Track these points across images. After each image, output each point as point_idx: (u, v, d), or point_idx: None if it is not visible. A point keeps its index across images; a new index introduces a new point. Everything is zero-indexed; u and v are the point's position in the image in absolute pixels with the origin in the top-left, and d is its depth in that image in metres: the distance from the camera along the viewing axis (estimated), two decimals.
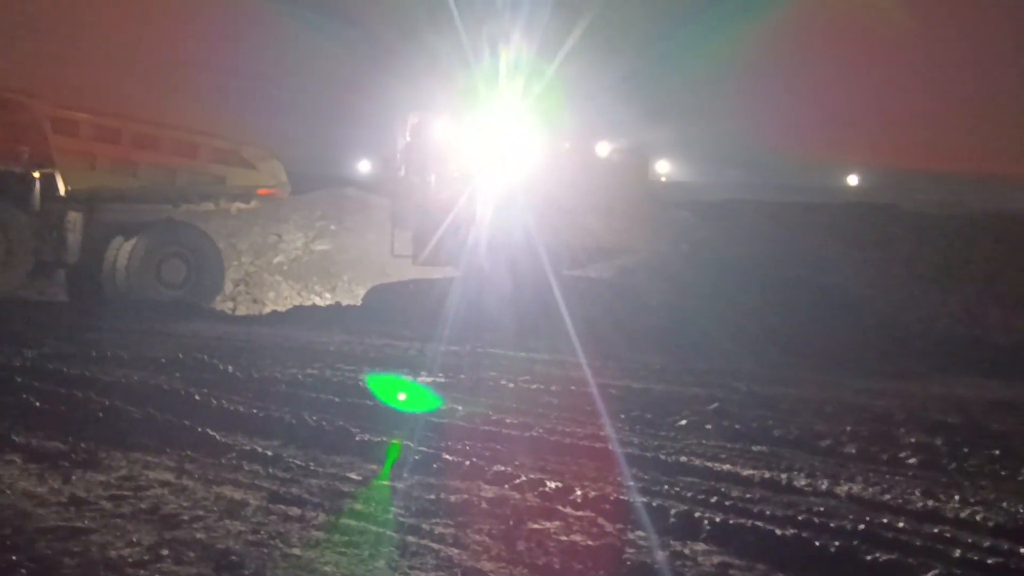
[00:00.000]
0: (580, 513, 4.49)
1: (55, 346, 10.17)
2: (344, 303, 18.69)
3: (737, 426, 6.68)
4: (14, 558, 3.47)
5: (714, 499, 4.75)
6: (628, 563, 3.85)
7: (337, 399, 7.24)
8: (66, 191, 15.89)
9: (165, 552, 3.65)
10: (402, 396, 7.53)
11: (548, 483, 4.89)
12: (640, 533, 4.24)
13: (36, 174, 15.71)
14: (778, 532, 4.20)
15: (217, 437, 5.75)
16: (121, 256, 16.30)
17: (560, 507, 4.56)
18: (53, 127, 15.82)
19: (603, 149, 15.98)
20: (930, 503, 4.83)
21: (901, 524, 4.41)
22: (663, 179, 19.44)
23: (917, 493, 5.03)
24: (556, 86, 14.81)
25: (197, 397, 7.03)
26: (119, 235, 16.47)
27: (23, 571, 3.35)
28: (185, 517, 4.16)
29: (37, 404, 6.65)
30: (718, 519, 4.33)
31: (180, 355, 9.48)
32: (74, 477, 4.80)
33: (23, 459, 5.14)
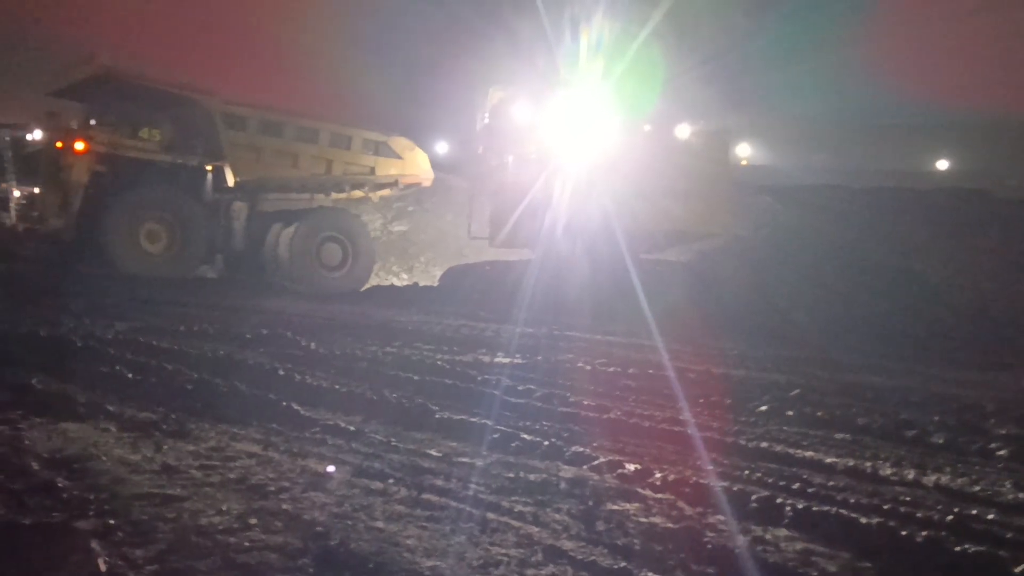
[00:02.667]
0: (659, 495, 4.47)
1: (145, 320, 10.49)
2: (421, 284, 18.86)
3: (819, 413, 6.57)
4: (112, 522, 3.59)
5: (796, 485, 4.67)
6: (708, 546, 3.82)
7: (416, 377, 7.32)
8: (234, 182, 16.80)
9: (253, 521, 3.75)
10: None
11: (627, 465, 4.87)
12: (720, 517, 4.20)
13: (208, 167, 16.66)
14: (863, 520, 4.12)
15: (301, 411, 5.86)
16: (282, 241, 17.18)
17: (639, 489, 4.55)
18: (225, 122, 16.72)
19: (683, 131, 15.80)
20: (1021, 496, 4.69)
21: (991, 516, 4.29)
22: (744, 162, 19.11)
23: (1008, 485, 4.88)
24: (637, 68, 14.67)
25: (281, 372, 7.19)
26: (278, 222, 17.33)
27: (120, 534, 3.47)
28: (272, 488, 4.26)
29: (129, 375, 6.86)
30: (800, 506, 4.27)
31: (264, 331, 9.70)
32: (165, 446, 4.94)
33: (117, 428, 5.31)
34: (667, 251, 15.72)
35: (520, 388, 7.09)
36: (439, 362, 8.23)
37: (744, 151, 19.20)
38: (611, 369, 8.31)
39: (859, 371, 9.03)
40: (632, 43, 14.57)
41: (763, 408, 6.73)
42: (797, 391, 7.43)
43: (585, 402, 6.66)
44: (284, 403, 6.03)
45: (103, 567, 3.15)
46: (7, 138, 17.24)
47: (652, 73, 14.90)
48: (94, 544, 3.34)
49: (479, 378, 7.48)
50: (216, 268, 17.99)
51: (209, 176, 16.77)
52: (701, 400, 6.93)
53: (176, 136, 16.82)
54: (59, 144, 16.20)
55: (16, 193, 16.77)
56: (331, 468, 4.53)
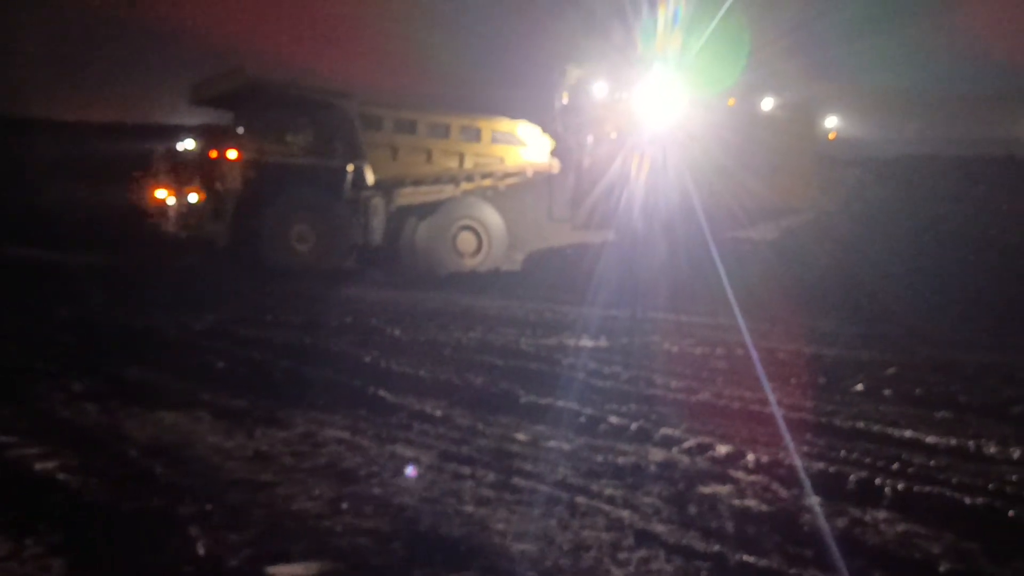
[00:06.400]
0: (752, 478, 4.37)
1: (231, 311, 10.71)
2: (503, 268, 18.89)
3: (918, 391, 6.35)
4: (208, 507, 3.66)
5: (895, 466, 4.52)
6: (805, 529, 3.71)
7: (500, 362, 7.31)
8: (373, 180, 17.50)
9: (344, 506, 3.77)
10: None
11: (718, 447, 4.78)
12: (816, 499, 4.08)
13: (349, 167, 17.39)
14: (967, 501, 3.96)
15: (387, 398, 5.90)
16: (420, 233, 17.69)
17: (731, 471, 4.45)
18: (362, 123, 17.40)
19: (767, 104, 15.43)
20: None
21: None
22: (833, 135, 18.60)
23: None
24: (718, 40, 14.36)
25: (367, 359, 7.26)
26: (413, 215, 17.90)
27: (216, 519, 3.53)
28: (362, 473, 4.29)
29: (219, 365, 7.02)
30: (900, 486, 4.12)
31: (349, 319, 9.82)
32: (257, 433, 5.02)
33: (210, 416, 5.42)
34: (750, 229, 15.40)
35: (606, 371, 7.02)
36: (523, 346, 8.21)
37: (833, 123, 18.68)
38: (697, 351, 8.18)
39: (957, 348, 8.72)
40: (713, 14, 14.29)
41: (858, 387, 6.53)
42: (893, 369, 7.20)
43: (672, 384, 6.56)
44: (370, 390, 6.08)
45: (201, 551, 3.20)
46: (163, 149, 18.19)
47: (735, 45, 14.59)
48: (192, 529, 3.40)
49: (564, 362, 7.44)
50: (353, 261, 18.57)
51: (350, 176, 17.46)
52: (792, 380, 6.77)
53: (318, 139, 17.50)
54: (213, 153, 16.99)
55: (173, 201, 17.64)
56: (410, 470, 4.49)
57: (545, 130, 17.91)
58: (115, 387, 6.16)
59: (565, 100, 16.33)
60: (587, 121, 15.91)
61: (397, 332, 8.90)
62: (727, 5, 14.29)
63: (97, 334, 8.72)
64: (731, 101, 15.33)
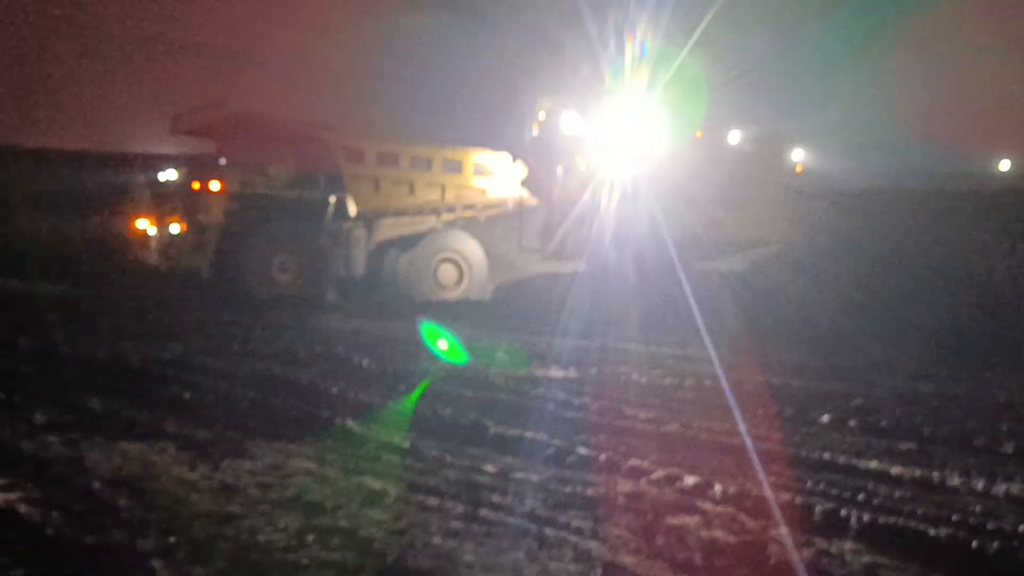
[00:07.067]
0: (720, 509, 4.38)
1: (199, 341, 10.60)
2: (473, 297, 18.88)
3: (883, 423, 6.41)
4: (172, 540, 3.61)
5: (861, 497, 4.56)
6: (772, 560, 3.73)
7: (470, 393, 7.30)
8: (356, 212, 17.55)
9: (311, 538, 3.74)
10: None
11: (686, 478, 4.79)
12: (784, 530, 4.10)
13: (331, 199, 17.42)
14: (932, 532, 4.00)
15: (355, 429, 5.88)
16: (401, 264, 17.70)
17: (699, 502, 4.47)
18: (346, 156, 17.46)
19: (735, 137, 15.62)
20: None
21: None
22: (799, 168, 18.84)
23: None
24: (685, 74, 14.55)
25: (335, 390, 7.22)
26: (395, 247, 17.95)
27: (181, 553, 3.48)
28: (328, 505, 4.25)
29: (186, 396, 6.94)
30: (866, 517, 4.16)
31: (317, 349, 9.76)
32: (223, 465, 4.97)
33: (176, 447, 5.36)
34: (719, 260, 15.52)
35: (575, 402, 7.03)
36: (492, 377, 8.20)
37: (799, 156, 18.93)
38: (666, 381, 8.21)
39: (922, 379, 8.81)
40: (680, 49, 14.49)
41: (824, 418, 6.58)
42: (859, 400, 7.27)
43: (641, 415, 6.58)
44: (338, 421, 6.05)
45: None
46: (144, 181, 18.15)
47: (701, 79, 14.78)
48: (155, 563, 3.36)
49: (533, 392, 7.44)
50: (334, 292, 18.55)
51: (332, 207, 17.51)
52: (760, 411, 6.81)
53: (300, 171, 17.58)
54: (196, 185, 17.01)
55: (155, 233, 17.61)
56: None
57: (515, 161, 18.02)
58: (78, 418, 6.07)
59: (535, 132, 16.45)
60: (557, 153, 16.02)
61: (365, 362, 8.86)
62: (693, 40, 14.51)
63: (61, 364, 8.60)
64: (698, 134, 15.51)
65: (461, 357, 8.80)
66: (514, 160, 17.59)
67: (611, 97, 15.12)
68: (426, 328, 9.35)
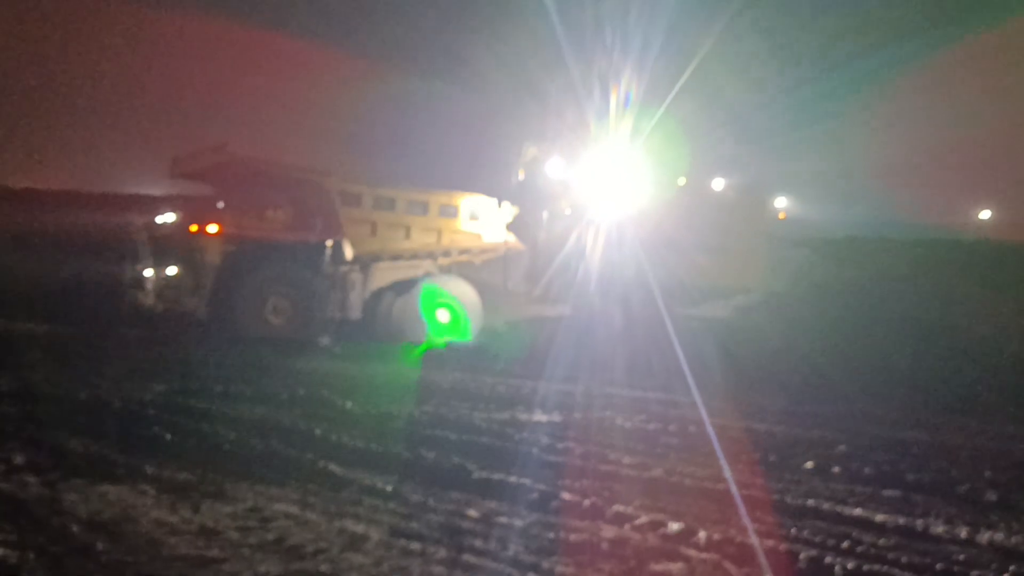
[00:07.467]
0: (704, 555, 4.36)
1: (180, 382, 10.53)
2: (456, 341, 18.88)
3: (867, 470, 6.41)
4: None
5: (845, 544, 4.55)
6: None
7: (453, 436, 7.26)
8: (351, 255, 17.70)
9: None
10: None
11: (670, 524, 4.77)
12: None
13: (328, 243, 17.59)
14: None
15: (337, 472, 5.83)
16: (396, 308, 17.79)
17: (683, 549, 4.45)
18: (342, 200, 17.65)
19: (718, 184, 15.77)
20: None
21: None
22: (782, 215, 19.04)
23: None
24: (669, 122, 14.73)
25: (317, 432, 7.16)
26: (391, 291, 18.07)
27: None
28: (309, 549, 4.21)
29: (167, 437, 6.87)
30: (850, 565, 4.15)
31: (300, 391, 9.70)
32: (203, 507, 4.92)
33: (155, 489, 5.30)
34: (703, 306, 15.59)
35: (559, 446, 7.00)
36: (476, 420, 8.16)
37: (782, 203, 19.14)
38: (651, 426, 8.19)
39: (905, 427, 8.83)
40: (664, 97, 14.68)
41: (808, 465, 6.58)
42: (842, 447, 7.27)
43: (625, 460, 6.55)
44: (320, 464, 6.00)
45: None
46: (140, 223, 18.19)
47: (683, 128, 14.96)
48: None
49: (517, 436, 7.40)
50: (327, 335, 18.59)
51: (328, 251, 17.64)
52: (744, 458, 6.79)
53: (297, 215, 17.71)
54: (193, 228, 17.12)
55: (151, 275, 17.62)
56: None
57: (502, 205, 18.16)
58: (57, 459, 6.00)
59: (521, 176, 16.59)
60: (542, 197, 16.14)
61: (349, 404, 8.81)
62: (676, 88, 14.71)
63: (40, 405, 8.51)
64: (682, 180, 15.65)
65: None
66: (500, 205, 17.73)
67: (596, 144, 15.27)
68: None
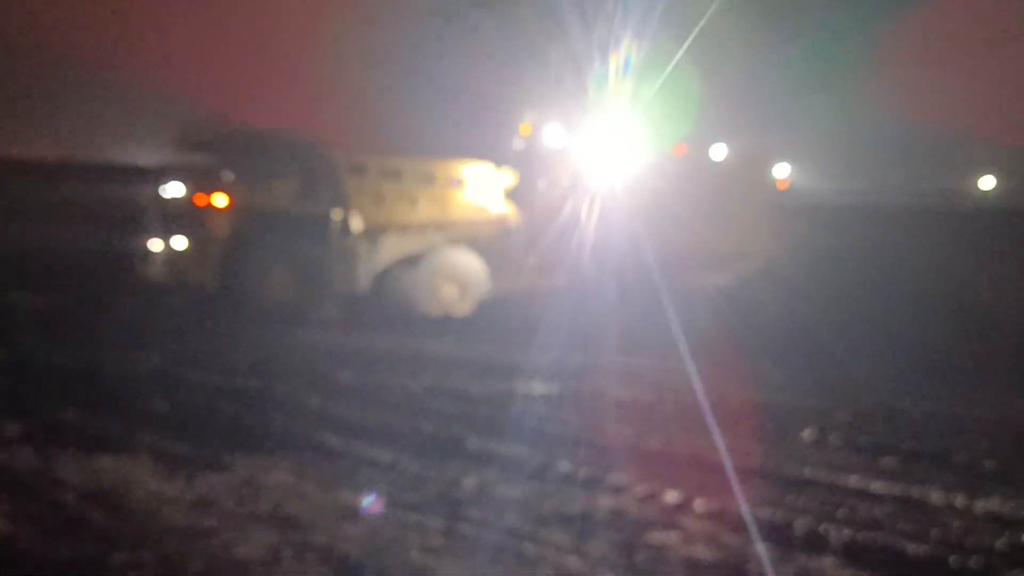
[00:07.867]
0: (700, 525, 4.35)
1: (177, 352, 10.51)
2: (453, 312, 18.88)
3: (864, 439, 6.40)
4: (145, 555, 3.55)
5: (841, 513, 4.54)
6: None
7: (449, 407, 7.25)
8: (358, 228, 17.61)
9: (286, 553, 3.69)
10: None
11: (666, 494, 4.77)
12: (764, 546, 4.08)
13: (334, 214, 17.52)
14: (911, 549, 3.99)
15: (333, 443, 5.82)
16: (403, 281, 17.73)
17: (680, 519, 4.44)
18: (348, 170, 17.55)
19: (719, 152, 15.66)
20: None
21: None
22: (784, 184, 18.94)
23: None
24: (669, 89, 14.61)
25: (313, 403, 7.15)
26: (398, 263, 18.00)
27: (152, 567, 3.42)
28: (305, 520, 4.20)
29: (161, 408, 6.87)
30: (846, 534, 4.15)
31: (296, 362, 9.69)
32: (198, 478, 4.91)
33: (151, 460, 5.29)
34: (701, 275, 15.53)
35: (555, 417, 6.99)
36: (472, 391, 8.15)
37: (784, 172, 19.01)
38: (648, 397, 8.19)
39: (904, 397, 8.82)
40: (664, 63, 14.54)
41: (806, 435, 6.57)
42: (840, 417, 7.26)
43: (622, 430, 6.55)
44: (316, 435, 5.98)
45: None
46: (146, 194, 18.06)
47: (686, 93, 14.82)
48: None
49: (513, 407, 7.40)
50: (333, 308, 18.58)
51: (335, 223, 17.59)
52: (741, 427, 6.78)
53: (304, 186, 17.62)
54: (201, 199, 17.02)
55: (157, 247, 17.54)
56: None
57: (502, 174, 18.08)
58: (51, 430, 5.98)
59: (519, 144, 16.47)
60: (539, 166, 16.04)
61: (345, 375, 8.80)
62: (678, 55, 14.57)
63: (34, 375, 8.49)
64: (682, 148, 15.55)
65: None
66: (500, 172, 17.63)
67: (595, 110, 15.15)
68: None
